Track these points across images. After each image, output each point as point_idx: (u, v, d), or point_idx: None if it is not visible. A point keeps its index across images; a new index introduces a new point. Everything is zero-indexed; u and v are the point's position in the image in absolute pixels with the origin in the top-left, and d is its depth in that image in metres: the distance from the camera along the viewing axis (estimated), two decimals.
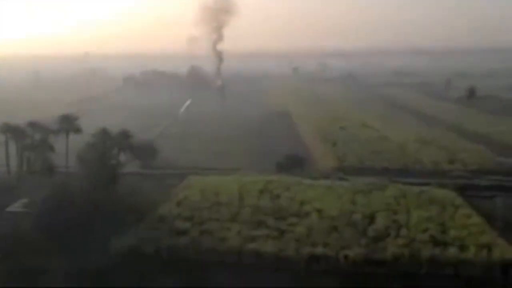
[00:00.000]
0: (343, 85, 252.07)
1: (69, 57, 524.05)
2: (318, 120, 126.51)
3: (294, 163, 77.83)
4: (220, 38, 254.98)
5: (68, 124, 78.09)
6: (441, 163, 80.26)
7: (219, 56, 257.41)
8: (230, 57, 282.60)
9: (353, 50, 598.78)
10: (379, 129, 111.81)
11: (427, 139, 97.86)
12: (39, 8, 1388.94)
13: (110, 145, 73.88)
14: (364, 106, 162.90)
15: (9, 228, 53.26)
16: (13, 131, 74.90)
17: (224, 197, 60.30)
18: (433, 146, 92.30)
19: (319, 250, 45.31)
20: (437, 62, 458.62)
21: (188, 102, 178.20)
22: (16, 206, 59.96)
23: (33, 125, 76.63)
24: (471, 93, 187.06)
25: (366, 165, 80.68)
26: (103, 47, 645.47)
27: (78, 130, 78.03)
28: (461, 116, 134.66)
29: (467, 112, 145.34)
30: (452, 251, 44.39)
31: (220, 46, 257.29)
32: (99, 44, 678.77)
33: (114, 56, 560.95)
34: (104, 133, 75.59)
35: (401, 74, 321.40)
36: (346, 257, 44.44)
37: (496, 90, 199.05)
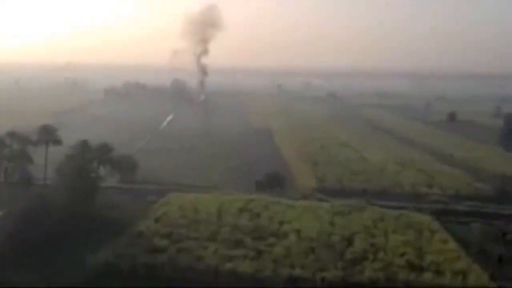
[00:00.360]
0: (325, 105, 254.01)
1: (50, 67, 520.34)
2: (299, 139, 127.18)
3: (274, 182, 78.01)
4: (204, 52, 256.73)
5: (48, 135, 77.28)
6: (419, 187, 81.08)
7: (203, 71, 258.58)
8: (214, 72, 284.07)
9: (337, 70, 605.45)
10: (359, 150, 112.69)
11: (406, 162, 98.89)
12: (21, 15, 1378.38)
13: (90, 158, 73.32)
14: (345, 126, 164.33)
15: None
16: None
17: (203, 215, 60.10)
18: (412, 169, 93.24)
19: (297, 271, 45.31)
20: (419, 85, 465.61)
21: (170, 117, 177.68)
22: None
23: (12, 135, 75.56)
24: (452, 117, 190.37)
25: (345, 186, 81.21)
26: (84, 58, 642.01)
27: (57, 142, 77.22)
28: (441, 140, 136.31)
29: (446, 136, 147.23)
30: (428, 276, 44.81)
31: (204, 61, 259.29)
32: (80, 54, 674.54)
33: (96, 67, 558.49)
34: (84, 146, 74.95)
35: (383, 96, 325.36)
36: (323, 279, 44.49)
37: (477, 116, 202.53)
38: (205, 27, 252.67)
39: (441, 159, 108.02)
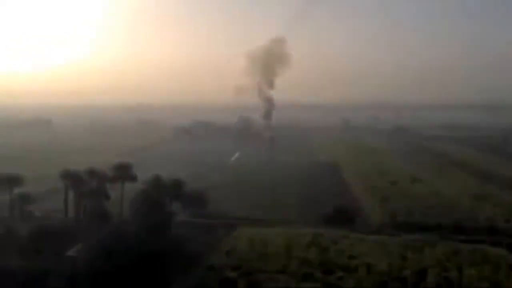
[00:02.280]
0: (393, 138, 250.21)
1: (123, 108, 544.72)
2: (368, 173, 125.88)
3: (343, 217, 77.58)
4: (270, 87, 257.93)
5: (124, 172, 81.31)
6: (496, 221, 78.08)
7: (269, 105, 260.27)
8: (280, 107, 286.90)
9: (405, 103, 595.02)
10: (431, 184, 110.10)
11: (481, 196, 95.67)
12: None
13: (163, 193, 76.25)
14: (415, 160, 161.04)
15: (68, 272, 55.18)
16: (72, 178, 78.52)
17: (272, 248, 60.74)
18: (488, 202, 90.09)
19: None
20: (494, 116, 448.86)
21: (237, 154, 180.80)
22: (74, 251, 62.16)
23: (90, 172, 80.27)
24: None
25: (417, 221, 79.33)
26: (154, 98, 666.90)
27: (133, 178, 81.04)
28: None
29: None
30: None
31: (270, 97, 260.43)
32: (150, 95, 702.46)
33: (165, 107, 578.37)
34: (156, 181, 78.26)
35: (453, 127, 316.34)
36: None
37: None
38: (271, 62, 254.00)
39: None
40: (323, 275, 52.03)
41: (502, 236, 69.98)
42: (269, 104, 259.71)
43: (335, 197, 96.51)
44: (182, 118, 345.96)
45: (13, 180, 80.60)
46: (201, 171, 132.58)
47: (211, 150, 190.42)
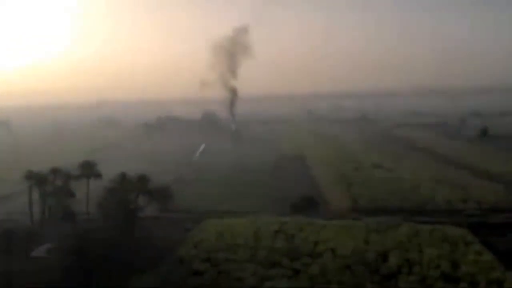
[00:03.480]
0: (357, 126, 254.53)
1: (83, 106, 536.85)
2: (332, 162, 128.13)
3: (309, 205, 79.22)
4: (233, 79, 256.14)
5: (88, 170, 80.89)
6: (454, 202, 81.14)
7: (233, 97, 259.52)
8: (243, 101, 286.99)
9: (367, 91, 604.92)
10: (393, 170, 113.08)
11: (440, 179, 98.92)
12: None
13: (129, 189, 76.18)
14: (378, 147, 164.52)
15: (33, 273, 55.01)
16: (36, 178, 77.68)
17: (240, 238, 61.82)
18: (447, 185, 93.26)
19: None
20: (452, 102, 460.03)
21: (202, 147, 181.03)
22: (39, 251, 61.89)
23: (54, 171, 79.53)
24: (484, 132, 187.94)
25: (380, 205, 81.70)
26: (115, 95, 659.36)
27: (98, 176, 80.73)
28: (475, 156, 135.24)
29: (481, 151, 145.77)
30: (464, 286, 45.23)
31: (234, 87, 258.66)
32: (111, 92, 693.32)
33: (127, 103, 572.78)
34: (123, 178, 78.10)
35: (414, 114, 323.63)
36: None
37: (510, 130, 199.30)
38: (234, 52, 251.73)
39: (475, 173, 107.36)
40: (290, 262, 53.36)
41: (460, 216, 72.90)
42: (233, 95, 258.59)
43: (300, 186, 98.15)
44: (146, 114, 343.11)
45: None
46: (167, 166, 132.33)
47: (176, 144, 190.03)
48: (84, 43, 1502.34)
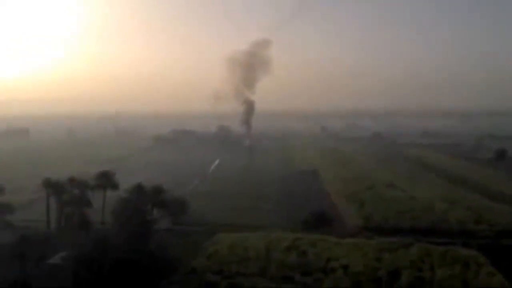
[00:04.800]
0: (371, 145, 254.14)
1: (101, 116, 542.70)
2: (345, 179, 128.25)
3: (321, 222, 79.67)
4: (251, 92, 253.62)
5: (106, 180, 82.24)
6: (467, 223, 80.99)
7: (248, 114, 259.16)
8: (257, 115, 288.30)
9: (383, 110, 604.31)
10: (406, 189, 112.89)
11: (453, 200, 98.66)
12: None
13: (144, 200, 77.40)
14: (391, 166, 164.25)
15: (49, 280, 56.09)
16: (54, 187, 79.23)
17: (252, 252, 62.39)
18: (460, 206, 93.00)
19: None
20: (468, 123, 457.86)
21: (217, 162, 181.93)
22: (55, 259, 63.02)
23: (72, 181, 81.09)
24: (500, 154, 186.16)
25: (392, 224, 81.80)
26: (132, 106, 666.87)
27: (115, 186, 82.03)
28: (488, 177, 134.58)
29: (495, 173, 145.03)
30: None
31: (250, 100, 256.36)
32: (129, 103, 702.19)
33: (143, 115, 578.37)
34: (138, 189, 79.39)
35: (429, 135, 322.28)
36: None
37: None
38: (253, 65, 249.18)
39: (489, 196, 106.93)
40: (301, 277, 53.87)
41: (472, 238, 72.85)
42: (249, 109, 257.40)
43: (313, 203, 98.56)
44: (161, 126, 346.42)
45: None
46: (182, 179, 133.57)
47: (191, 158, 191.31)
48: (102, 56, 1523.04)
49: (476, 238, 73.11)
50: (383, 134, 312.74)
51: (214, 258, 61.14)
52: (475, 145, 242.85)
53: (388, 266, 56.60)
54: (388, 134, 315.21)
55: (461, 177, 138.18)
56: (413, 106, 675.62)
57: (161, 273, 56.18)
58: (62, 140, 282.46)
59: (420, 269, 56.00)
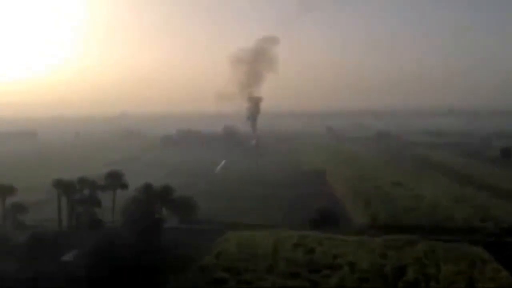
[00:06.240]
0: (376, 144, 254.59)
1: (106, 118, 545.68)
2: (351, 178, 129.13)
3: (328, 220, 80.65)
4: (257, 90, 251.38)
5: (115, 180, 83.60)
6: (472, 221, 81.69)
7: (254, 114, 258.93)
8: (263, 116, 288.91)
9: (389, 109, 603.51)
10: (412, 188, 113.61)
11: (459, 198, 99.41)
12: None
13: (153, 200, 78.71)
14: (397, 165, 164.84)
15: (62, 277, 57.41)
16: (64, 187, 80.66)
17: (260, 250, 63.49)
18: (466, 204, 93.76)
19: None
20: (474, 122, 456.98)
21: (223, 162, 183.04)
22: (68, 256, 64.39)
23: (82, 181, 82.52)
24: (507, 153, 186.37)
25: (398, 222, 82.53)
26: (137, 107, 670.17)
27: (124, 186, 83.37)
28: (495, 175, 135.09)
29: (501, 171, 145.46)
30: None
31: (256, 98, 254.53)
32: (134, 105, 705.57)
33: (148, 116, 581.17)
34: (147, 188, 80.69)
35: (436, 133, 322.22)
36: None
37: None
38: (257, 66, 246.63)
39: (496, 194, 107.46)
40: (309, 274, 54.90)
41: (478, 235, 73.61)
42: (255, 105, 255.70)
43: (320, 202, 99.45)
44: (166, 127, 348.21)
45: (6, 190, 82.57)
46: (189, 179, 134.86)
47: (197, 158, 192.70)
48: (107, 57, 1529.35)
49: (482, 235, 73.77)
50: (389, 133, 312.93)
51: (223, 256, 62.20)
52: (481, 144, 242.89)
53: (394, 263, 57.52)
54: (394, 133, 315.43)
55: (467, 175, 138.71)
56: (420, 105, 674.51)
57: (171, 270, 57.36)
58: (70, 142, 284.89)
59: (425, 265, 56.85)
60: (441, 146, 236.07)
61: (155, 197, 79.12)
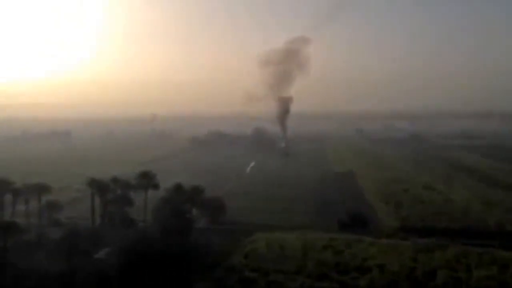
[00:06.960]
0: (408, 147, 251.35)
1: (137, 119, 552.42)
2: (381, 181, 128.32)
3: (357, 222, 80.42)
4: (287, 90, 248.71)
5: (147, 180, 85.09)
6: (505, 225, 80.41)
7: (284, 115, 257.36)
8: (293, 117, 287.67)
9: (421, 112, 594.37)
10: (443, 191, 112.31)
11: (491, 201, 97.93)
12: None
13: (184, 200, 79.83)
14: (428, 167, 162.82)
15: (95, 273, 58.81)
16: (98, 186, 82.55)
17: (289, 251, 63.87)
18: (498, 208, 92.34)
19: None
20: (507, 124, 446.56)
21: (252, 163, 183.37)
22: (100, 254, 65.93)
23: (115, 180, 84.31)
24: None
25: (428, 226, 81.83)
26: (168, 109, 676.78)
27: (156, 186, 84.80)
28: None
29: None
30: None
31: (287, 98, 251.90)
32: (164, 107, 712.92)
33: (179, 117, 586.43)
34: (178, 189, 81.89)
35: (467, 136, 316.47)
36: None
37: None
38: (288, 66, 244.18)
39: None
40: (338, 275, 55.05)
41: (510, 240, 72.34)
42: (285, 106, 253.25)
43: (349, 204, 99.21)
44: (197, 128, 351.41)
45: (42, 189, 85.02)
46: (218, 180, 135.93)
47: (227, 160, 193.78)
48: (140, 61, 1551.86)
49: None
50: (421, 135, 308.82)
51: (252, 256, 62.83)
52: None
53: (424, 266, 57.18)
54: (426, 136, 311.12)
55: (498, 179, 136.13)
56: (452, 107, 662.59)
57: (200, 270, 58.21)
58: (102, 142, 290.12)
59: (455, 269, 56.35)
60: (474, 149, 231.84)
61: (185, 198, 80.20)
